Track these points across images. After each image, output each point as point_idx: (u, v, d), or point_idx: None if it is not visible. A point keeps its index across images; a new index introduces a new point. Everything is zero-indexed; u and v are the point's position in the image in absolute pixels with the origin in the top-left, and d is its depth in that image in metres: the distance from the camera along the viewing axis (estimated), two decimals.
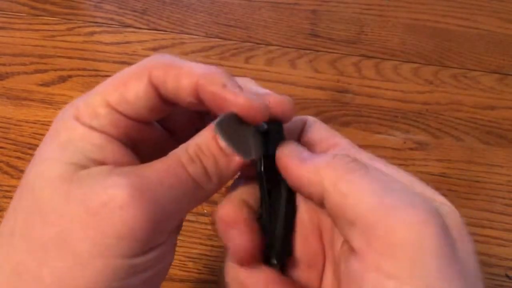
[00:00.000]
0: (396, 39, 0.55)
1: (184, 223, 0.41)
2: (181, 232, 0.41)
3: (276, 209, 0.21)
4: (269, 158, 0.21)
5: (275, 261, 0.20)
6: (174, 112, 0.23)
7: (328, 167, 0.19)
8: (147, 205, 0.18)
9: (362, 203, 0.18)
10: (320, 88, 0.50)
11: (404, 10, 0.57)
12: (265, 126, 0.21)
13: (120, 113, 0.21)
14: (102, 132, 0.20)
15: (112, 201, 0.18)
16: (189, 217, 0.41)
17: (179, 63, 0.21)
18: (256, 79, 0.50)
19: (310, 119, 0.25)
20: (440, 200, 0.19)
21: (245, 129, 0.20)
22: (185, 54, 0.52)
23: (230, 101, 0.20)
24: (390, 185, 0.18)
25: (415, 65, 0.53)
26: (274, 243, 0.21)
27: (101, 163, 0.20)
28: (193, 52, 0.52)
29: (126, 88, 0.21)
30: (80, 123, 0.20)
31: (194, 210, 0.42)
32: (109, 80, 0.21)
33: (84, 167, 0.19)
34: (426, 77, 0.52)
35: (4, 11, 0.54)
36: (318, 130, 0.24)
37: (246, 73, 0.51)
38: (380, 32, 0.55)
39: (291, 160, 0.21)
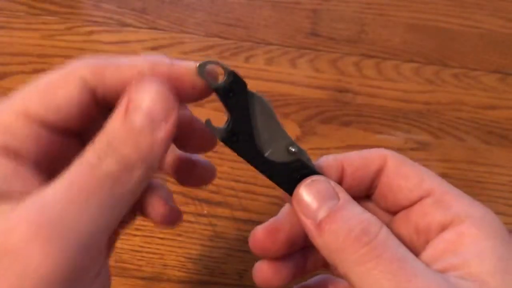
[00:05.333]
0: (397, 39, 0.54)
1: (183, 224, 0.41)
2: (180, 232, 0.41)
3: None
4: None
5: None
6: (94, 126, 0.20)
7: None
8: (56, 244, 0.15)
9: None
10: (321, 87, 0.50)
11: (405, 9, 0.57)
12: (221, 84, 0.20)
13: (42, 124, 0.18)
14: (14, 151, 0.17)
15: (12, 251, 0.15)
16: (188, 218, 0.41)
17: (112, 60, 0.20)
18: (256, 78, 0.50)
19: (390, 155, 0.22)
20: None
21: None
22: (184, 54, 0.51)
23: (185, 72, 0.19)
24: None
25: (416, 65, 0.52)
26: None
27: (6, 195, 0.17)
28: (192, 51, 0.52)
29: (55, 93, 0.19)
30: None
31: (194, 210, 0.41)
32: (29, 86, 0.19)
33: None
34: (427, 76, 0.51)
35: (2, 10, 0.53)
36: (402, 170, 0.21)
37: (246, 72, 0.50)
38: (381, 31, 0.55)
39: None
